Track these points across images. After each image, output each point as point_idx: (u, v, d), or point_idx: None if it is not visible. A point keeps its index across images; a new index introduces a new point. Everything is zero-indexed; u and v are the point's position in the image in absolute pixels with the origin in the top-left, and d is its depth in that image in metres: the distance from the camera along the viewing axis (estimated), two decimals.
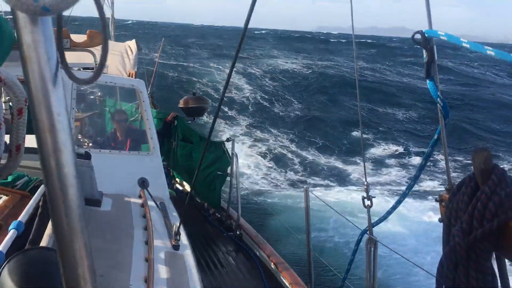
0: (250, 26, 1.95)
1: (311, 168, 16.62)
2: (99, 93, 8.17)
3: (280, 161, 17.04)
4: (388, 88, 31.30)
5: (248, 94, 27.43)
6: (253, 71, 34.48)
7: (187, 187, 7.42)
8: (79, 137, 6.77)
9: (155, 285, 2.20)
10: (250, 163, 16.18)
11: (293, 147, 18.81)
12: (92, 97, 8.18)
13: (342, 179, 15.40)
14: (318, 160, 17.57)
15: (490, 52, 1.19)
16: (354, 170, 16.25)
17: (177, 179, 7.80)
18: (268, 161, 16.89)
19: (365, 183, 2.84)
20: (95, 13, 0.63)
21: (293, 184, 14.60)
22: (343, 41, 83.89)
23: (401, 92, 30.39)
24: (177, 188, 7.64)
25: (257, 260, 4.80)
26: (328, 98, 27.68)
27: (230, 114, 22.92)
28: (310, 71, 35.68)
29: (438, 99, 1.44)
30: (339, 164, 17.18)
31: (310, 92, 29.24)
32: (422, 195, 13.26)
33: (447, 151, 1.57)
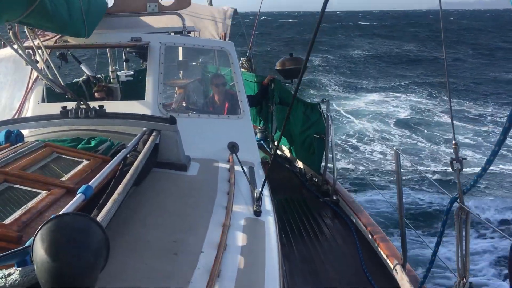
0: None
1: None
2: (200, 59, 8.28)
3: None
4: None
5: None
6: None
7: (287, 152, 7.30)
8: (183, 103, 6.98)
9: (229, 251, 2.11)
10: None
11: None
12: (194, 63, 8.32)
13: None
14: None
15: None
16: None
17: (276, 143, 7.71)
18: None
19: (454, 142, 2.35)
20: None
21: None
22: None
23: None
24: (275, 153, 7.56)
25: (353, 227, 4.53)
26: None
27: None
28: None
29: None
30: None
31: None
32: None
33: None
